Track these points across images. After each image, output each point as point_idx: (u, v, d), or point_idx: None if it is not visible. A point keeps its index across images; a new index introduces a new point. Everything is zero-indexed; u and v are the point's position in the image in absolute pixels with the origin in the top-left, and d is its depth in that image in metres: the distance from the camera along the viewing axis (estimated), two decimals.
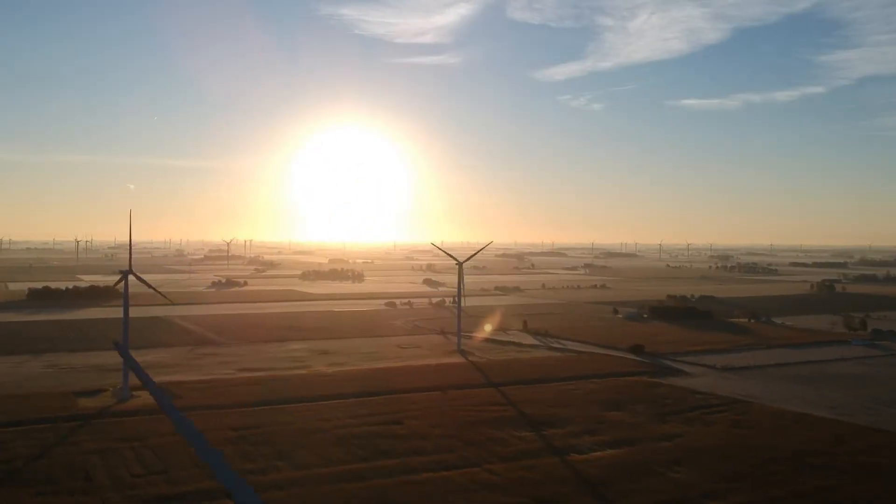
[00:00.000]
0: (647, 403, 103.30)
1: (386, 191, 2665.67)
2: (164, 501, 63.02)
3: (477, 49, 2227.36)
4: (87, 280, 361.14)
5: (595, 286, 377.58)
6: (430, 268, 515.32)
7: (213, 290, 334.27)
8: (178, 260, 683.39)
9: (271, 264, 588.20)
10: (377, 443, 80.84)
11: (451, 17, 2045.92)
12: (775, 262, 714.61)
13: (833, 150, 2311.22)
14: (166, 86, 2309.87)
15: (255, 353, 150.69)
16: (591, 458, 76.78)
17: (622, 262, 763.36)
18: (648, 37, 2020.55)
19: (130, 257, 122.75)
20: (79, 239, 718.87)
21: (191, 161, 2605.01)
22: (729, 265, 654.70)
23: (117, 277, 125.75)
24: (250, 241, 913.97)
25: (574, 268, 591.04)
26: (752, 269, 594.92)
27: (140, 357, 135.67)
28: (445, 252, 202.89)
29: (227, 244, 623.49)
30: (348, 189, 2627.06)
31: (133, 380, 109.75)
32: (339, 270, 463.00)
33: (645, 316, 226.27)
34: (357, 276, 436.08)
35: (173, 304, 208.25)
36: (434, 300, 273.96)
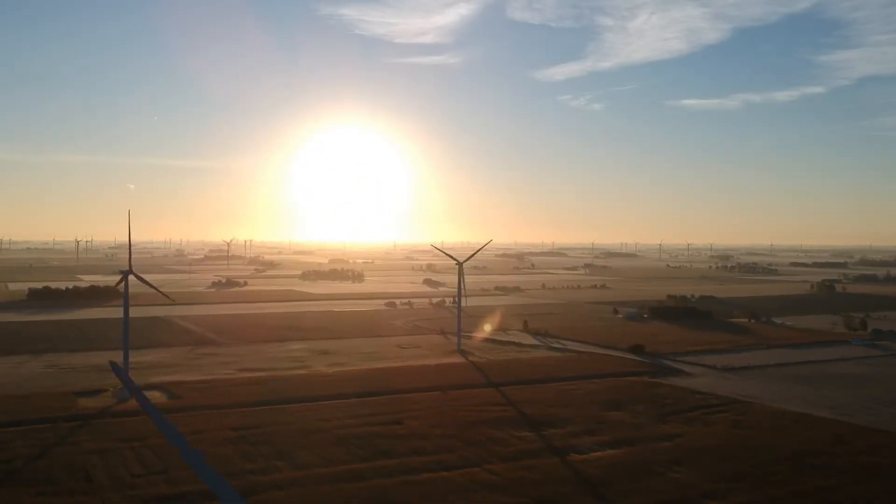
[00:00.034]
0: (647, 403, 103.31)
1: (386, 191, 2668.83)
2: (164, 501, 63.04)
3: (477, 49, 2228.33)
4: (87, 280, 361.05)
5: (595, 286, 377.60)
6: (430, 268, 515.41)
7: (213, 290, 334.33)
8: (178, 260, 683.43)
9: (271, 264, 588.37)
10: (377, 443, 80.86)
11: (451, 17, 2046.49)
12: (775, 262, 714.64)
13: (833, 150, 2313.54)
14: (166, 86, 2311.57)
15: (256, 353, 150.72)
16: (591, 458, 76.78)
17: (622, 262, 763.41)
18: (648, 37, 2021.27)
19: (130, 257, 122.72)
20: (79, 239, 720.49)
21: (191, 161, 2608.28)
22: (729, 265, 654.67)
23: (117, 277, 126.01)
24: (250, 241, 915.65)
25: (574, 268, 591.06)
26: (752, 269, 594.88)
27: (140, 357, 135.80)
28: (445, 253, 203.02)
29: (228, 244, 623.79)
30: (348, 189, 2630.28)
31: (133, 380, 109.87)
32: (340, 270, 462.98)
33: (645, 316, 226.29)
34: (357, 276, 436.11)
35: (174, 304, 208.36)
36: (434, 300, 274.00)
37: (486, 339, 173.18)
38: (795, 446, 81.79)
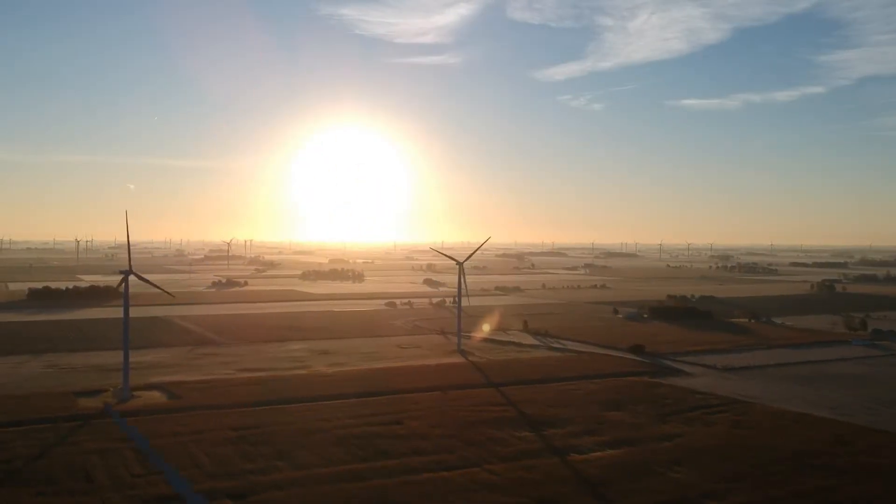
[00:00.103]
0: (647, 403, 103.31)
1: (386, 191, 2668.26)
2: (164, 501, 63.04)
3: (477, 49, 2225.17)
4: (87, 280, 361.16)
5: (595, 286, 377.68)
6: (430, 268, 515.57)
7: (213, 290, 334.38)
8: (178, 260, 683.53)
9: (271, 264, 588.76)
10: (377, 443, 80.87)
11: (451, 17, 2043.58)
12: (775, 262, 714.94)
13: (833, 150, 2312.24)
14: (166, 86, 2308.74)
15: (256, 353, 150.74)
16: (591, 458, 76.78)
17: (622, 262, 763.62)
18: (648, 37, 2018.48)
19: (130, 257, 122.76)
20: (79, 239, 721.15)
21: (191, 161, 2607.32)
22: (729, 265, 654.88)
23: (117, 277, 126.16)
24: (250, 241, 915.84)
25: (574, 268, 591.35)
26: (752, 269, 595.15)
27: (140, 357, 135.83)
28: (444, 254, 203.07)
29: (228, 244, 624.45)
30: (348, 189, 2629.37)
31: (133, 380, 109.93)
32: (340, 270, 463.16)
33: (645, 316, 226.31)
34: (357, 276, 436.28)
35: (174, 301, 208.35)
36: (434, 300, 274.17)
37: (486, 339, 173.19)
38: (795, 446, 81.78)
